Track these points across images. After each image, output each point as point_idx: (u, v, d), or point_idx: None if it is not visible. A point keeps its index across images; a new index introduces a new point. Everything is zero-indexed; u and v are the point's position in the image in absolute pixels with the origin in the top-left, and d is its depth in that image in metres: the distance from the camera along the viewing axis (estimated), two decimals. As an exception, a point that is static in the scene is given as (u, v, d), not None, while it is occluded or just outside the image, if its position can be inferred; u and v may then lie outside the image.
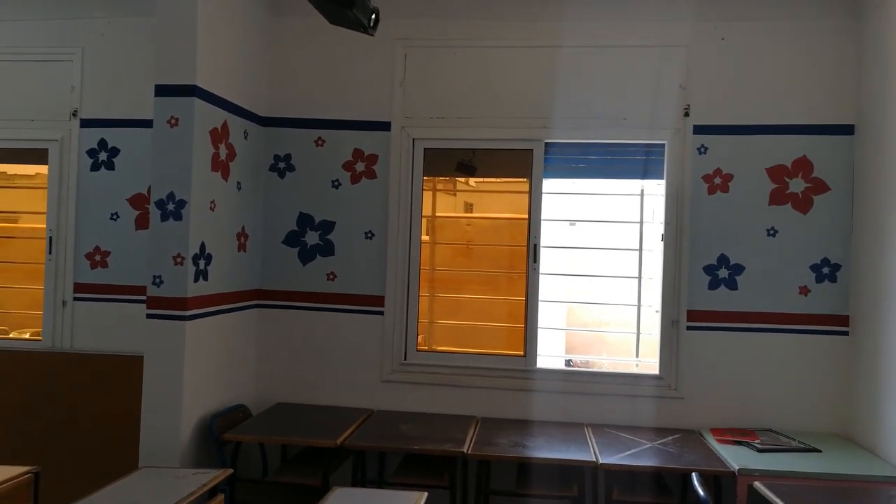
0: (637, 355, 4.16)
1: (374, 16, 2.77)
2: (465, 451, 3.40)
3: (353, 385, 4.16)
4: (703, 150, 3.96)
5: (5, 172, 4.65)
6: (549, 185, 4.12)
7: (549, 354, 4.27)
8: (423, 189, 4.20)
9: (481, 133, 4.11)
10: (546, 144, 4.09)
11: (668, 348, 3.99)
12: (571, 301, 4.60)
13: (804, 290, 3.89)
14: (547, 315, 4.22)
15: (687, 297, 3.96)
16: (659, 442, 3.65)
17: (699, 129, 3.96)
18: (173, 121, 3.48)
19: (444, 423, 3.88)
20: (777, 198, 3.92)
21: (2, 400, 4.22)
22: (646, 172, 4.08)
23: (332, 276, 4.20)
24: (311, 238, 4.22)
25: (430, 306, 4.27)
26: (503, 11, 4.08)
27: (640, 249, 4.10)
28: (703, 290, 3.95)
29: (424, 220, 4.23)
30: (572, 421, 3.98)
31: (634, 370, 4.13)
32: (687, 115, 3.97)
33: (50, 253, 4.32)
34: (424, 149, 4.19)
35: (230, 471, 3.04)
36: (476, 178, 4.39)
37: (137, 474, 3.02)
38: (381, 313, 4.16)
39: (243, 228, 4.05)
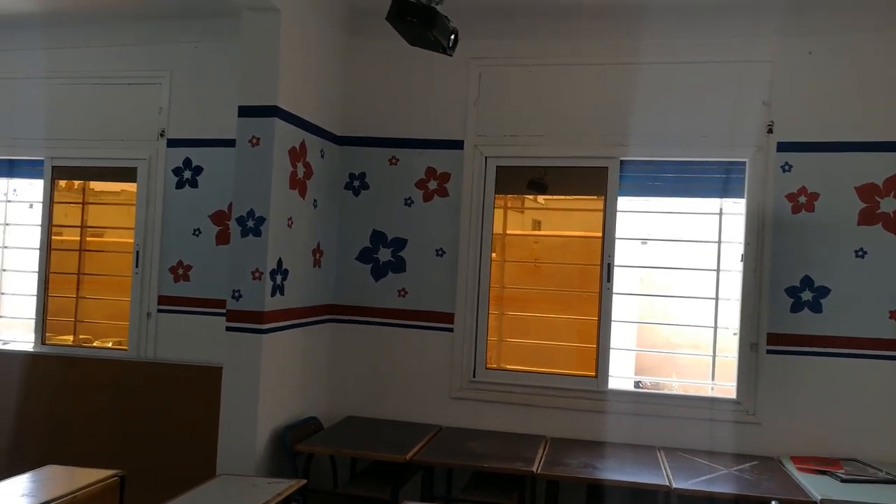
0: (713, 378, 4.04)
1: (453, 36, 2.81)
2: (534, 470, 3.37)
3: (423, 401, 4.19)
4: (787, 167, 3.83)
5: (93, 189, 4.91)
6: (622, 202, 4.07)
7: (618, 375, 4.19)
8: (494, 207, 4.21)
9: (555, 151, 4.10)
10: (621, 162, 4.05)
11: (747, 372, 3.86)
12: (644, 321, 4.51)
13: (895, 315, 3.70)
14: (615, 335, 4.15)
15: (767, 320, 3.83)
16: (735, 468, 3.53)
17: (783, 147, 3.84)
18: (255, 140, 3.61)
19: (513, 441, 3.85)
20: (867, 218, 3.75)
21: (89, 405, 4.42)
22: (725, 191, 3.98)
23: (403, 293, 4.25)
24: (384, 255, 4.29)
25: (499, 324, 4.26)
26: (579, 30, 4.08)
27: (718, 269, 3.99)
28: (785, 312, 3.81)
29: (494, 238, 4.23)
30: (644, 443, 3.89)
31: (710, 393, 4.01)
32: (770, 131, 3.86)
33: (137, 266, 4.53)
34: (497, 167, 4.20)
35: (304, 481, 3.10)
36: (546, 196, 4.38)
37: (216, 481, 3.11)
38: (451, 330, 4.18)
39: (318, 245, 4.15)
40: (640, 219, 4.22)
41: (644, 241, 4.37)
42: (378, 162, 4.32)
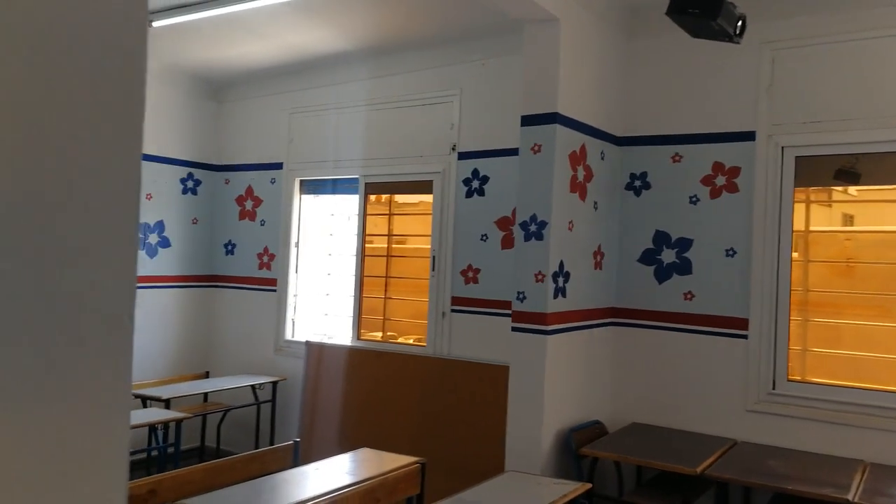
0: None
1: (740, 23, 2.62)
2: (850, 498, 2.97)
3: (714, 412, 3.94)
4: None
5: (397, 201, 5.46)
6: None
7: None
8: (793, 201, 3.82)
9: (868, 135, 3.59)
10: (957, 143, 3.41)
11: None
12: None
13: None
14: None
15: None
16: None
17: None
18: (536, 147, 3.73)
19: (821, 463, 3.45)
20: None
21: (394, 395, 4.93)
22: None
23: (689, 296, 4.05)
24: (668, 256, 4.13)
25: (802, 331, 3.84)
26: (895, -7, 3.53)
27: None
28: None
29: (794, 236, 3.83)
30: None
31: None
32: None
33: (433, 270, 4.94)
34: (795, 157, 3.81)
35: (588, 485, 3.12)
36: (858, 187, 3.85)
37: (504, 476, 3.27)
38: (745, 337, 3.87)
39: (599, 247, 4.15)
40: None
41: None
42: (660, 160, 4.18)
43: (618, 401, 4.25)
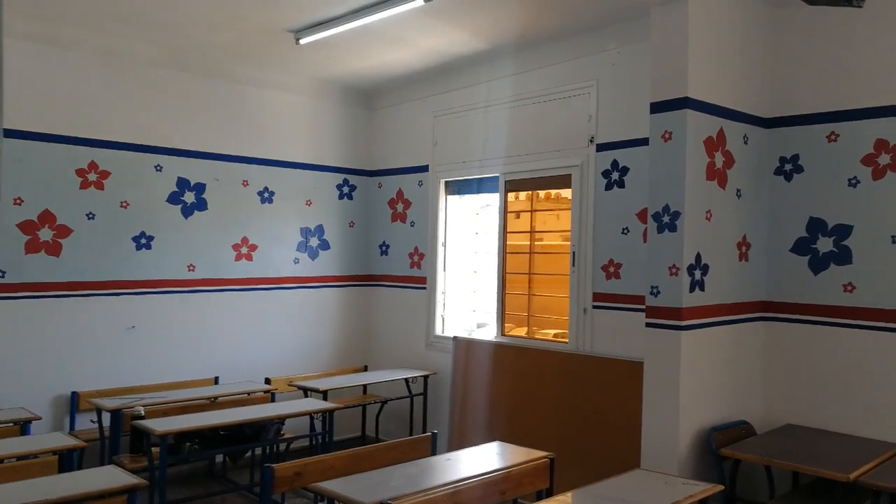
0: None
1: (859, -15, 2.36)
2: None
3: (880, 415, 3.55)
4: None
5: (561, 196, 5.38)
6: None
7: None
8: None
9: None
10: None
11: None
12: None
13: None
14: None
15: None
16: None
17: None
18: (667, 135, 3.58)
19: None
20: None
21: (537, 390, 4.93)
22: None
23: (849, 288, 3.68)
24: (824, 245, 3.78)
25: None
26: None
27: None
28: None
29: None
30: None
31: None
32: None
33: (573, 265, 4.89)
34: (976, 128, 3.34)
35: (720, 487, 2.95)
36: None
37: (632, 474, 3.19)
38: (917, 332, 3.46)
39: (744, 237, 3.89)
40: None
41: None
42: (813, 140, 3.84)
43: (770, 400, 3.96)
